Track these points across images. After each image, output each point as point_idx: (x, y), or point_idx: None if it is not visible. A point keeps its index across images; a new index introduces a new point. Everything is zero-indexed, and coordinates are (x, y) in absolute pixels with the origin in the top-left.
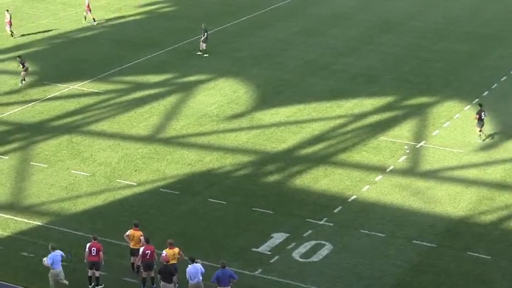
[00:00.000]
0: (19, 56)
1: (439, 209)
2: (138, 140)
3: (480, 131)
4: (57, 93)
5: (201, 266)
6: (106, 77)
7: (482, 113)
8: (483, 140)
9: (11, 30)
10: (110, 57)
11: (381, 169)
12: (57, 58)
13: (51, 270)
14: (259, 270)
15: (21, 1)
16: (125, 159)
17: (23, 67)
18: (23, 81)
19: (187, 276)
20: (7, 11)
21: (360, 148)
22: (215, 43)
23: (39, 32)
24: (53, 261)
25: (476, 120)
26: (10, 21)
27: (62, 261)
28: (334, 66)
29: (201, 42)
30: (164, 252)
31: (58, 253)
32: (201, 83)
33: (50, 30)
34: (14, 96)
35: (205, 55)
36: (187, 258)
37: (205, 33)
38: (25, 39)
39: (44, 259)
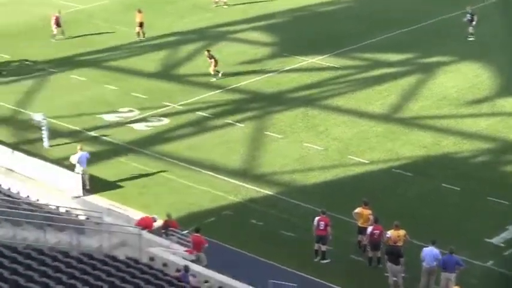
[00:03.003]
0: (208, 50)
1: None
2: (373, 117)
3: None
4: (295, 66)
5: (438, 252)
6: (345, 53)
7: None
8: None
9: (56, 31)
10: (351, 33)
11: None
12: (298, 31)
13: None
14: (491, 262)
15: None
16: (358, 136)
17: (211, 60)
18: (218, 75)
19: (421, 257)
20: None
21: None
22: (460, 26)
23: None
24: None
25: None
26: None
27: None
28: None
29: (469, 26)
30: (389, 233)
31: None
32: (442, 64)
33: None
34: (252, 66)
35: (470, 38)
36: (424, 243)
37: (471, 16)
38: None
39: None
